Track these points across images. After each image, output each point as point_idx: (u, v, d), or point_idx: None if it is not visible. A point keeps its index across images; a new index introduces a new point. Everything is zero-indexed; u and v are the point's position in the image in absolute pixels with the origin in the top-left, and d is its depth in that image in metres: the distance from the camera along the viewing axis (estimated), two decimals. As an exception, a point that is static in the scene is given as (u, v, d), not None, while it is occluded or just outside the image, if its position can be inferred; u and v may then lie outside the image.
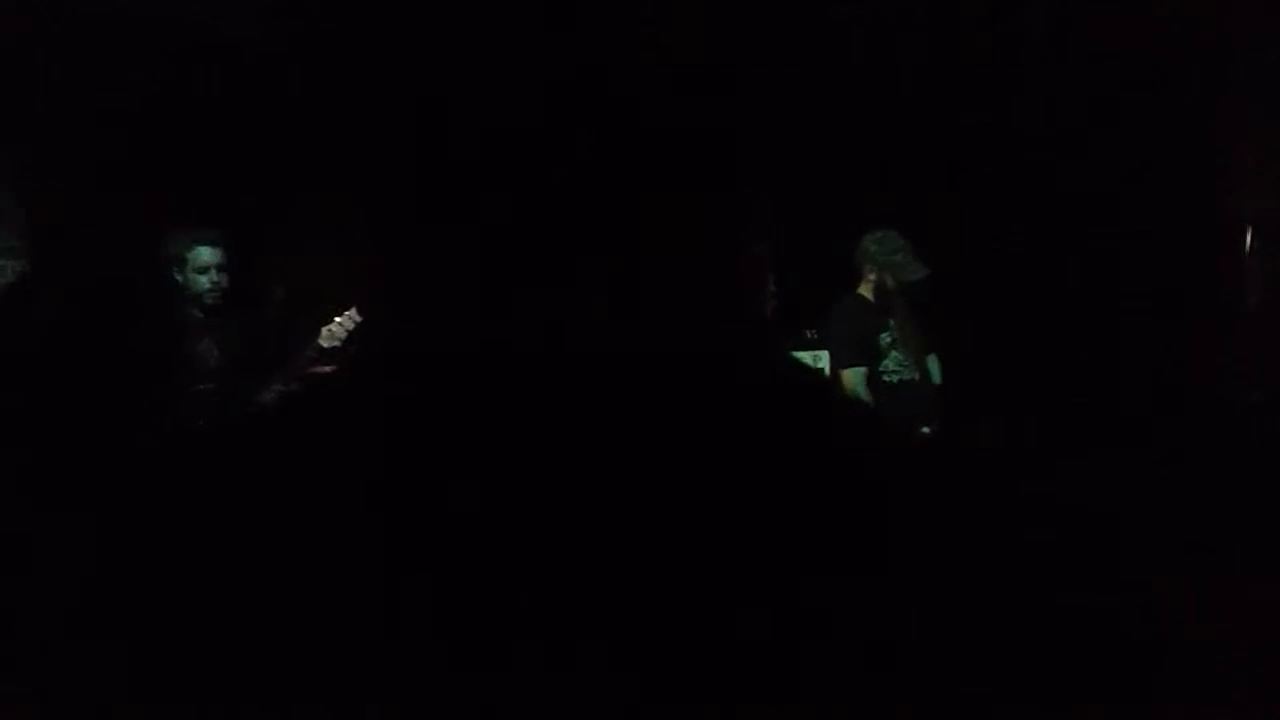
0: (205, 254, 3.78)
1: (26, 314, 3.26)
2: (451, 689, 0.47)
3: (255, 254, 4.50)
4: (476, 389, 0.53)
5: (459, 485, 0.51)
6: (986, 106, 4.22)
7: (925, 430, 4.58)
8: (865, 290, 4.75)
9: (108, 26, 4.43)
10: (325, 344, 3.89)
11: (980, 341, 4.85)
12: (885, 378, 4.75)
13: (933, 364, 4.85)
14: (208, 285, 3.77)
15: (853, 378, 4.65)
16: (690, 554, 0.51)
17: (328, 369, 4.11)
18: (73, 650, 0.48)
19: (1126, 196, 4.00)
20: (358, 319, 3.92)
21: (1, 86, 4.41)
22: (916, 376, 4.73)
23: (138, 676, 0.46)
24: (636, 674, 0.48)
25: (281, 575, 0.49)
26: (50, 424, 2.94)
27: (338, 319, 3.94)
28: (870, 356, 4.73)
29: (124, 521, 0.54)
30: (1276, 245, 3.59)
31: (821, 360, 4.87)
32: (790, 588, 0.51)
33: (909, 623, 0.50)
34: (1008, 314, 4.72)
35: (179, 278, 3.76)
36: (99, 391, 3.07)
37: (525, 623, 0.48)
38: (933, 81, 4.36)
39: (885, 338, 4.76)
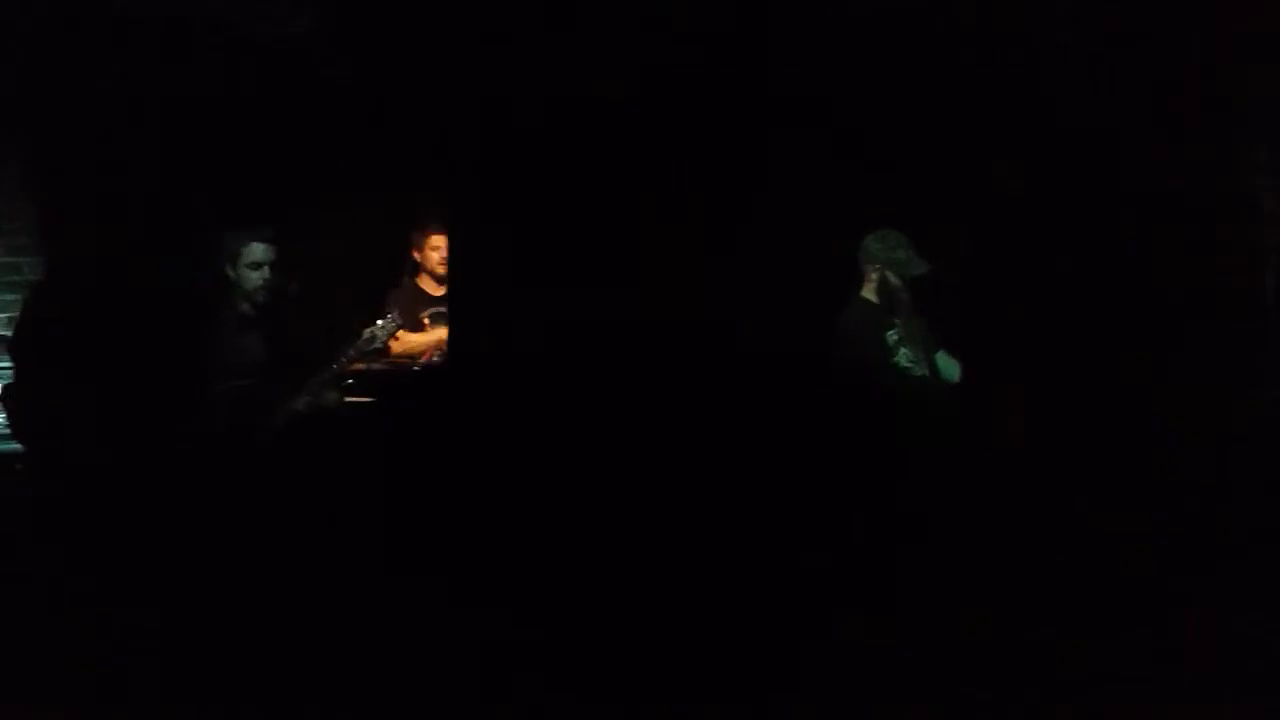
0: (259, 251, 3.87)
1: (77, 309, 3.28)
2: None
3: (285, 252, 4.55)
4: (559, 389, 0.55)
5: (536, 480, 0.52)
6: (990, 103, 4.22)
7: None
8: (869, 292, 4.79)
9: (147, 25, 4.47)
10: (367, 347, 3.96)
11: (986, 339, 4.87)
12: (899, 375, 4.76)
13: (947, 361, 4.86)
14: (259, 282, 3.84)
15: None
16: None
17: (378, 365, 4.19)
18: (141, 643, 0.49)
19: (1134, 192, 4.00)
20: (399, 321, 3.98)
21: (40, 86, 4.45)
22: (926, 373, 4.75)
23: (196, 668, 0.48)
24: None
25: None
26: (109, 421, 2.95)
27: (380, 321, 4.01)
28: (880, 356, 4.75)
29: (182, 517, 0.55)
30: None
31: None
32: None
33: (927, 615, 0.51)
34: (1013, 312, 4.73)
35: (231, 273, 3.83)
36: (155, 388, 3.09)
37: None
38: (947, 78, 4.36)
39: (892, 335, 4.79)
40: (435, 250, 5.42)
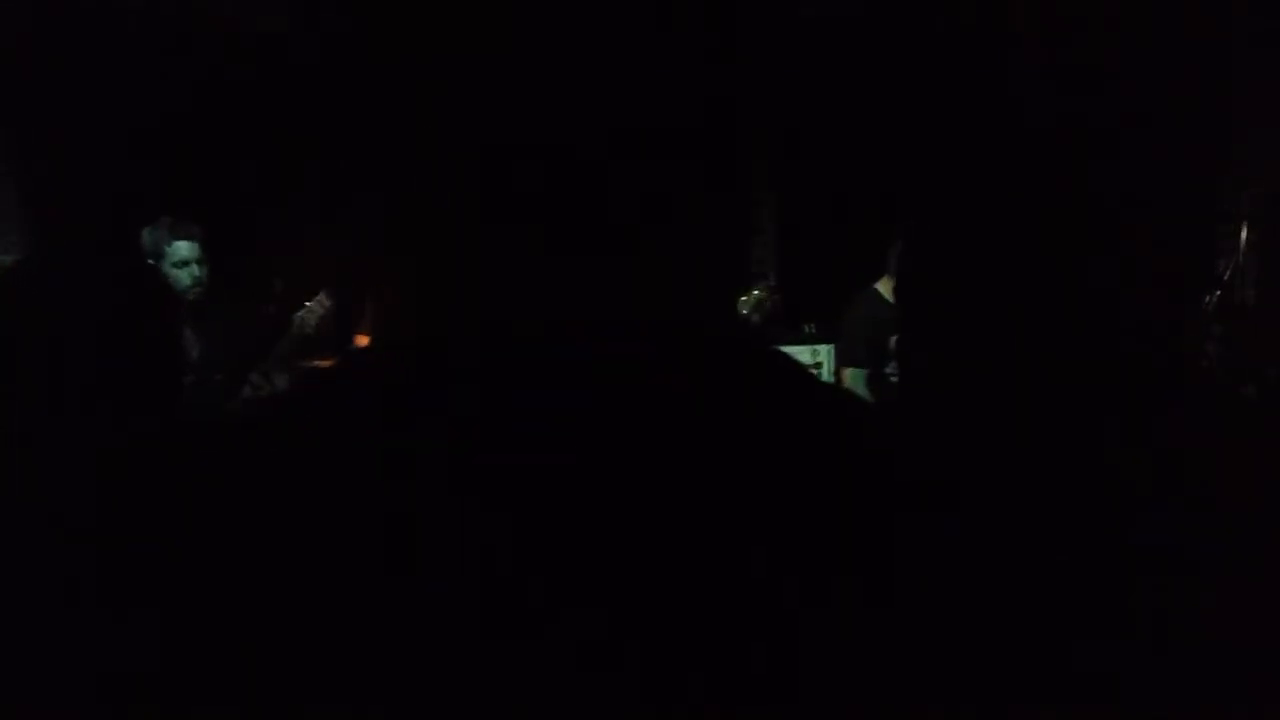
0: (184, 249, 3.79)
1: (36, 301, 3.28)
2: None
3: (253, 247, 4.54)
4: (479, 379, 0.54)
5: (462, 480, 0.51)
6: (994, 101, 4.15)
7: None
8: (884, 288, 4.67)
9: (109, 23, 4.49)
10: (298, 331, 3.94)
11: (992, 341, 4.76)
12: (894, 378, 4.67)
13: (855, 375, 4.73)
14: (189, 280, 3.78)
15: (853, 378, 4.58)
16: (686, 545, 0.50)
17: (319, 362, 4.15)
18: (71, 646, 0.48)
19: (1142, 191, 3.92)
20: (327, 303, 3.98)
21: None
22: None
23: (132, 674, 0.46)
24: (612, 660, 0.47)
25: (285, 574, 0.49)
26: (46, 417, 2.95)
27: (308, 303, 3.98)
28: (879, 355, 4.64)
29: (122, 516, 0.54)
30: (1273, 236, 3.54)
31: (821, 354, 4.81)
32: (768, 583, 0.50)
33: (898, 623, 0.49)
34: (1018, 314, 4.63)
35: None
36: (92, 384, 3.09)
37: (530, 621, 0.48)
38: (938, 75, 4.30)
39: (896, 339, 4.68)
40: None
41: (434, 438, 0.52)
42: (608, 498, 0.51)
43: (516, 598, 0.48)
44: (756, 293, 4.98)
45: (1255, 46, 3.69)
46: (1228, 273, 3.50)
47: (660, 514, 0.51)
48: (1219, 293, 3.40)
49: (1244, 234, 3.55)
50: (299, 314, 3.96)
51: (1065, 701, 0.49)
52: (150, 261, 3.78)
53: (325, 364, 4.85)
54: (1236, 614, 0.53)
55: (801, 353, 4.77)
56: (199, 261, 3.81)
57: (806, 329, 4.93)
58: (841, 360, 4.65)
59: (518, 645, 0.48)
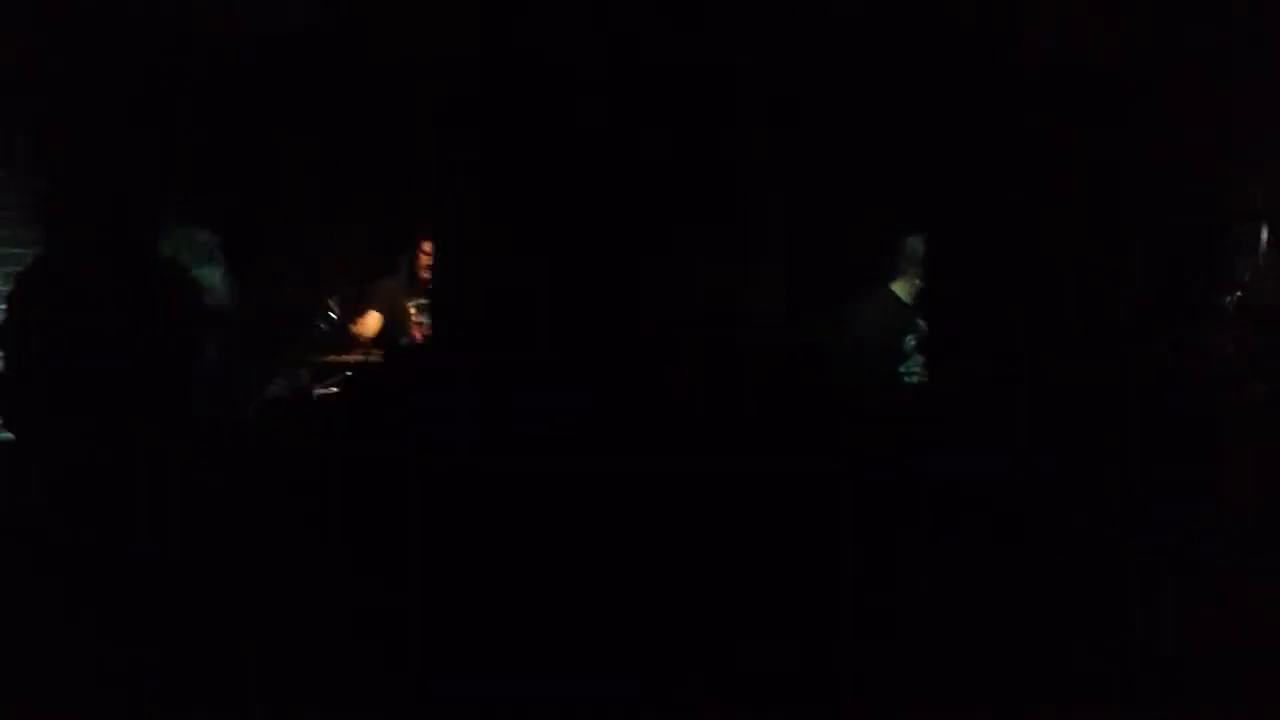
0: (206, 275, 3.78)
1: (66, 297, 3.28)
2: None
3: (267, 248, 4.54)
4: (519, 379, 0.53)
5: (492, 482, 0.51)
6: (1002, 101, 4.12)
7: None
8: (901, 290, 4.66)
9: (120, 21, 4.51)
10: (312, 333, 3.94)
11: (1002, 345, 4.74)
12: (907, 380, 4.66)
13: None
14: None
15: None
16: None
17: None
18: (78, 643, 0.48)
19: (1148, 191, 3.88)
20: (339, 304, 3.99)
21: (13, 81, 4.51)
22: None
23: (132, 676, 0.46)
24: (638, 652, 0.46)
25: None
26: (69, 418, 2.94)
27: (323, 307, 3.99)
28: (892, 356, 4.63)
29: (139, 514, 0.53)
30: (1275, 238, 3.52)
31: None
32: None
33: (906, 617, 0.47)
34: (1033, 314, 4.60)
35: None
36: (106, 384, 3.07)
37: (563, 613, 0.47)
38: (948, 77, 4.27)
39: (911, 340, 4.67)
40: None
41: (440, 438, 0.52)
42: (616, 496, 0.50)
43: (518, 597, 0.47)
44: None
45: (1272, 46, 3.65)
46: (1247, 273, 3.47)
47: (666, 513, 0.49)
48: (1239, 293, 3.37)
49: (1264, 234, 3.52)
50: (312, 316, 3.97)
51: (1066, 701, 0.47)
52: (170, 258, 3.75)
53: (339, 364, 4.86)
54: (1247, 613, 0.51)
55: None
56: (215, 270, 3.77)
57: (814, 326, 4.91)
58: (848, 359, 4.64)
59: (520, 644, 0.46)
